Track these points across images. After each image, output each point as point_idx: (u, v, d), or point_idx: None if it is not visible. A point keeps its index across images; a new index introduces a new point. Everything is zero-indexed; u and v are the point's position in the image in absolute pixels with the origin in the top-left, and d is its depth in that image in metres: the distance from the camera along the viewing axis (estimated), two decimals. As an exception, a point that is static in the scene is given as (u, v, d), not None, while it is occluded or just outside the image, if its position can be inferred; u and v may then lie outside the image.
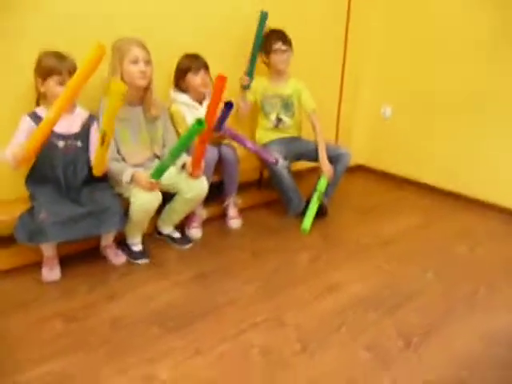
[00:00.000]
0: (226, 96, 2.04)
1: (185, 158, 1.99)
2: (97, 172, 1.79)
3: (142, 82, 1.91)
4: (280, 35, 2.44)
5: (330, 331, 1.55)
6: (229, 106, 1.94)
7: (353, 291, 1.80)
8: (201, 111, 2.21)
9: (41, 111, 1.78)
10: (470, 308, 1.72)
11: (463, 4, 2.67)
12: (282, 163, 2.37)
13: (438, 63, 2.87)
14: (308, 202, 2.50)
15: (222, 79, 1.77)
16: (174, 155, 1.75)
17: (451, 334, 1.57)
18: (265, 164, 2.43)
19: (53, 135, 1.76)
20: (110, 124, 1.61)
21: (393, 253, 2.14)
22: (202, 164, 1.98)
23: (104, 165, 1.78)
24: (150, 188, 1.83)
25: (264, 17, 2.27)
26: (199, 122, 1.61)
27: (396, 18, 3.08)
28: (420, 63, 2.98)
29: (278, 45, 2.42)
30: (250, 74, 2.38)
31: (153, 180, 1.81)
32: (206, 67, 2.20)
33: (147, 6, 2.13)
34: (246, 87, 2.41)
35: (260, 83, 2.50)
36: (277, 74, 2.51)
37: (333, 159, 2.51)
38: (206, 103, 2.24)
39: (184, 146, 1.77)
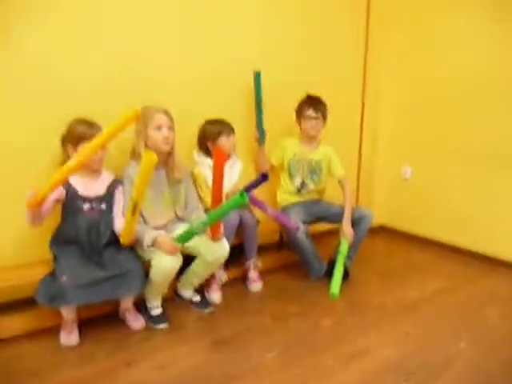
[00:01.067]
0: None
1: None
2: (125, 241, 1.82)
3: (166, 147, 1.98)
4: (313, 102, 2.53)
5: (357, 403, 1.46)
6: (264, 177, 1.99)
7: (381, 359, 1.71)
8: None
9: (72, 177, 1.82)
10: (508, 380, 1.61)
11: (480, 61, 2.74)
12: (301, 228, 2.36)
13: (456, 122, 2.92)
14: (329, 265, 2.47)
15: (220, 154, 1.78)
16: (207, 224, 1.77)
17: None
18: (285, 229, 2.43)
19: (78, 198, 1.82)
20: (140, 193, 1.65)
21: (420, 318, 2.05)
22: (221, 227, 1.99)
23: (132, 233, 1.81)
24: (173, 251, 1.83)
25: (258, 76, 2.39)
26: (242, 195, 1.62)
27: (411, 79, 3.18)
28: (438, 122, 3.03)
29: (309, 112, 2.51)
30: (258, 128, 2.47)
31: (177, 244, 1.82)
32: (233, 131, 2.31)
33: (167, 75, 2.26)
34: (258, 142, 2.50)
35: (291, 145, 2.57)
36: (307, 138, 2.58)
37: (355, 221, 2.50)
38: (228, 165, 2.29)
39: (220, 217, 1.80)
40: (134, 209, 1.67)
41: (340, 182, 2.61)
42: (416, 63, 3.13)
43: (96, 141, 1.66)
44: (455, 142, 2.93)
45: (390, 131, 3.36)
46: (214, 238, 1.97)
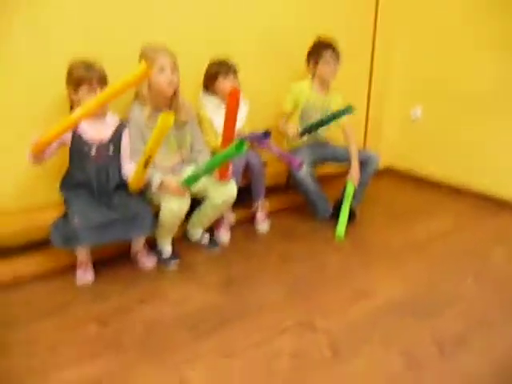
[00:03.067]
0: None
1: None
2: (133, 188, 1.83)
3: (170, 90, 1.93)
4: (331, 46, 2.42)
5: (361, 337, 1.52)
6: (266, 135, 1.94)
7: (386, 296, 1.77)
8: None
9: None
10: (509, 316, 1.66)
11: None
12: (306, 170, 2.35)
13: (468, 62, 2.81)
14: (336, 207, 2.49)
15: (235, 93, 1.74)
16: (209, 169, 1.78)
17: (487, 343, 1.51)
18: (290, 168, 2.41)
19: (85, 143, 1.81)
20: (154, 149, 1.65)
21: (427, 258, 2.09)
22: (230, 169, 1.98)
23: (142, 183, 1.82)
24: (180, 194, 1.84)
25: (347, 111, 2.20)
26: (238, 146, 1.60)
27: (423, 17, 3.03)
28: (449, 62, 2.92)
29: (328, 55, 2.40)
30: (302, 134, 2.37)
31: (183, 187, 1.83)
32: (235, 72, 2.22)
33: (176, 13, 2.17)
34: (292, 137, 2.40)
35: (304, 89, 2.47)
36: (321, 83, 2.49)
37: (361, 162, 2.48)
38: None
39: (220, 163, 1.80)
40: (147, 163, 1.68)
41: (345, 128, 2.55)
42: (428, 3, 2.97)
43: (103, 95, 1.63)
44: (466, 82, 2.84)
45: (400, 71, 3.24)
46: (222, 179, 1.98)
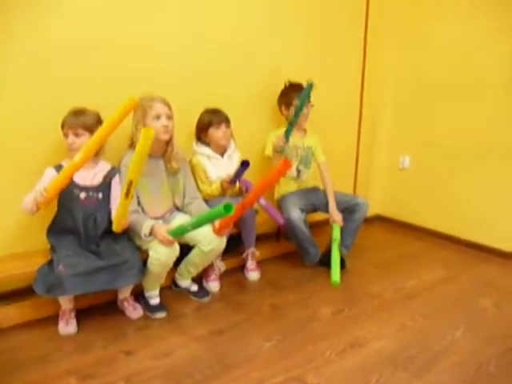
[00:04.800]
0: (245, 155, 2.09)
1: None
2: (117, 228, 1.79)
3: (165, 137, 1.96)
4: (301, 89, 2.47)
5: (354, 392, 1.48)
6: (244, 165, 1.97)
7: (378, 348, 1.73)
8: (222, 162, 2.27)
9: (65, 163, 1.82)
10: (503, 368, 1.62)
11: (479, 54, 2.72)
12: (298, 215, 2.35)
13: (456, 112, 2.90)
14: (325, 255, 2.49)
15: (286, 165, 1.78)
16: (195, 226, 1.76)
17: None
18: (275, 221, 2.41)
19: (75, 187, 1.81)
20: (136, 173, 1.62)
21: (417, 308, 2.06)
22: (229, 228, 1.98)
23: (125, 220, 1.79)
24: (167, 243, 1.82)
25: (310, 87, 2.24)
26: (227, 207, 1.60)
27: (411, 68, 3.14)
28: (437, 113, 3.01)
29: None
30: (287, 136, 2.38)
31: (170, 237, 1.81)
32: (227, 121, 2.26)
33: (168, 62, 2.24)
34: (280, 149, 2.42)
35: (280, 135, 2.53)
36: (297, 126, 2.54)
37: (350, 208, 2.51)
38: (226, 155, 2.30)
39: (207, 222, 1.80)
40: (128, 191, 1.63)
41: (321, 167, 2.61)
42: (415, 53, 3.09)
43: (97, 134, 1.66)
44: (454, 132, 2.92)
45: (389, 121, 3.34)
46: (219, 233, 1.97)
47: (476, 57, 2.74)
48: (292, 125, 2.36)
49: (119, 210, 1.74)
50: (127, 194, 1.65)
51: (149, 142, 1.55)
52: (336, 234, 2.42)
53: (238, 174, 2.09)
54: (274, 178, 1.91)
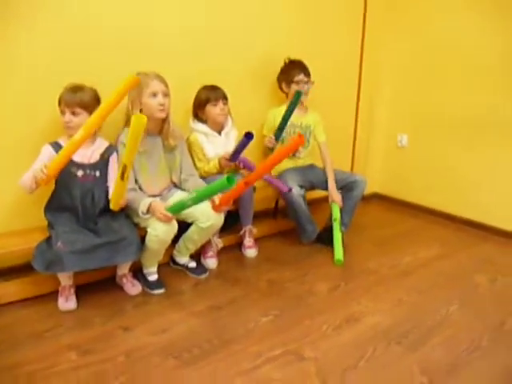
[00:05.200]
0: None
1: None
2: (114, 206, 1.79)
3: (161, 114, 1.94)
4: (302, 66, 2.47)
5: (349, 365, 1.50)
6: (249, 136, 1.94)
7: (373, 323, 1.75)
8: (219, 140, 2.25)
9: (63, 141, 1.82)
10: (495, 342, 1.65)
11: (478, 28, 2.69)
12: (297, 191, 2.35)
13: (454, 90, 2.88)
14: (322, 232, 2.51)
15: (301, 140, 1.77)
16: (196, 200, 1.76)
17: (476, 370, 1.50)
18: (279, 193, 2.43)
19: (72, 164, 1.80)
20: (130, 157, 1.61)
21: (413, 284, 2.09)
22: (229, 204, 1.99)
23: (122, 199, 1.79)
24: (166, 220, 1.83)
25: (298, 95, 2.26)
26: (230, 179, 1.60)
27: (409, 46, 3.11)
28: (436, 90, 2.99)
29: (301, 76, 2.45)
30: (277, 138, 2.37)
31: (169, 213, 1.82)
32: (224, 98, 2.24)
33: (165, 39, 2.21)
34: (270, 149, 2.40)
35: (281, 112, 2.50)
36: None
37: (348, 186, 2.51)
38: (224, 132, 2.28)
39: (208, 196, 1.80)
40: (123, 173, 1.63)
41: (321, 146, 2.61)
42: (414, 31, 3.06)
43: (98, 112, 1.64)
44: (451, 111, 2.90)
45: (387, 99, 3.32)
46: (218, 209, 1.97)
47: (473, 33, 2.71)
48: (281, 129, 2.34)
49: (115, 191, 1.74)
50: (122, 176, 1.65)
51: (141, 129, 1.53)
52: (336, 213, 2.43)
53: (240, 148, 2.06)
54: (284, 154, 1.90)
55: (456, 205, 2.97)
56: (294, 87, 2.46)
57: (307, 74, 2.48)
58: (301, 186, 2.41)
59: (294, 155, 2.56)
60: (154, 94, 1.90)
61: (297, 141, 1.79)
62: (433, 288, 2.06)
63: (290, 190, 2.26)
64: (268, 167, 1.95)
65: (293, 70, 2.47)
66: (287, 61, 2.53)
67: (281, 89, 2.56)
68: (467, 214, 2.91)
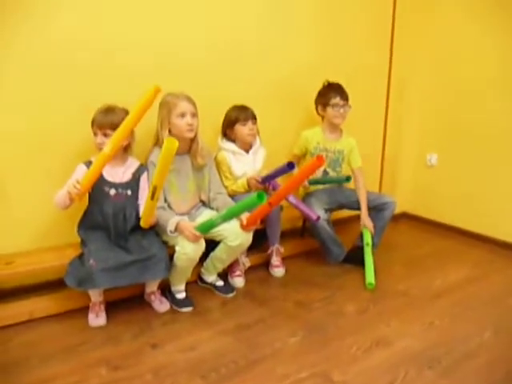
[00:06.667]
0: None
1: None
2: (144, 224, 1.84)
3: (190, 135, 1.98)
4: (339, 89, 2.47)
5: (380, 390, 1.47)
6: (290, 166, 1.96)
7: (404, 347, 1.71)
8: (247, 158, 2.28)
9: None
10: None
11: (508, 47, 2.66)
12: (322, 216, 2.33)
13: (484, 108, 2.84)
14: (351, 252, 2.50)
15: (321, 160, 1.78)
16: (225, 218, 1.77)
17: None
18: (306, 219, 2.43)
19: (105, 183, 1.85)
20: (161, 179, 1.65)
21: (445, 307, 2.03)
22: (257, 223, 2.00)
23: (152, 217, 1.83)
24: (194, 239, 1.84)
25: (346, 180, 2.50)
26: (259, 196, 1.61)
27: (439, 63, 3.10)
28: (465, 109, 2.95)
29: (337, 99, 2.45)
30: (311, 183, 2.45)
31: (197, 232, 1.84)
32: (253, 118, 2.27)
33: (193, 58, 2.26)
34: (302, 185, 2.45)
35: (314, 135, 2.52)
36: (331, 127, 2.53)
37: (378, 207, 2.48)
38: (252, 151, 2.31)
39: (238, 214, 1.82)
40: (153, 194, 1.67)
41: (355, 172, 2.58)
42: (442, 50, 3.05)
43: (124, 125, 1.68)
44: (482, 129, 2.86)
45: (416, 118, 3.29)
46: (246, 228, 1.98)
47: (506, 49, 2.67)
48: (317, 183, 2.51)
49: (145, 210, 1.78)
50: (152, 197, 1.69)
51: (172, 153, 1.57)
52: (367, 238, 2.41)
53: (277, 174, 2.09)
54: (304, 175, 1.91)
55: (487, 225, 2.89)
56: (330, 110, 2.46)
57: (344, 98, 2.46)
58: (325, 210, 2.40)
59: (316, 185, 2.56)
60: (183, 115, 1.95)
61: (315, 162, 1.78)
62: (465, 312, 2.00)
63: (318, 218, 2.21)
64: (290, 189, 1.95)
65: (330, 92, 2.47)
66: (326, 83, 2.54)
67: (317, 111, 2.56)
68: (499, 235, 2.83)
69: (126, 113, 1.89)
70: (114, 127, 1.81)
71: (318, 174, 2.54)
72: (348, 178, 2.44)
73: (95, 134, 1.86)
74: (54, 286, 1.95)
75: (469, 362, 1.62)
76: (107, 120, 1.83)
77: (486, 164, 2.86)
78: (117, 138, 1.69)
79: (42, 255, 1.91)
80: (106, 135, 1.83)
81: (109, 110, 1.85)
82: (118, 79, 2.05)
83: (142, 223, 1.84)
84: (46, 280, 1.99)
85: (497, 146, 2.79)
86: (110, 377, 1.51)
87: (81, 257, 1.82)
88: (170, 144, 1.55)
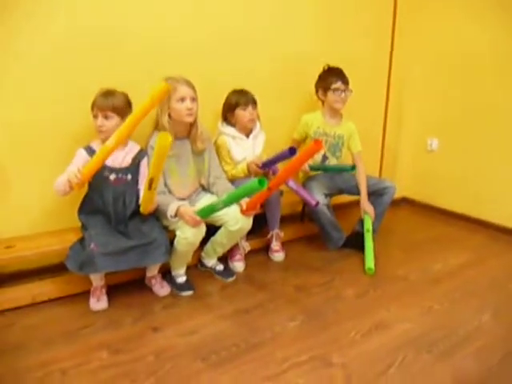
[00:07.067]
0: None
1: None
2: (144, 211, 1.85)
3: (190, 119, 1.97)
4: (340, 74, 2.45)
5: (378, 372, 1.48)
6: (292, 151, 1.95)
7: (403, 331, 1.73)
8: (247, 143, 2.27)
9: (95, 145, 1.86)
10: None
11: (509, 31, 2.63)
12: (322, 200, 2.33)
13: (485, 93, 2.82)
14: (350, 237, 2.51)
15: (319, 144, 1.76)
16: (226, 203, 1.77)
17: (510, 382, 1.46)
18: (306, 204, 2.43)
19: (105, 168, 1.84)
20: (157, 171, 1.65)
21: (444, 291, 2.05)
22: (257, 208, 2.00)
23: (152, 205, 1.84)
24: (194, 224, 1.85)
25: (351, 169, 2.44)
26: (261, 181, 1.60)
27: (439, 49, 3.07)
28: (466, 93, 2.93)
29: (338, 84, 2.43)
30: (313, 169, 2.47)
31: (197, 217, 1.84)
32: (254, 103, 2.25)
33: (193, 42, 2.24)
34: (303, 170, 2.48)
35: (315, 119, 2.50)
36: (332, 112, 2.51)
37: (378, 192, 2.48)
38: (252, 136, 2.29)
39: (239, 199, 1.81)
40: (150, 185, 1.68)
41: (355, 157, 2.58)
42: (443, 35, 3.02)
43: (129, 120, 1.68)
44: (482, 113, 2.84)
45: (417, 102, 3.27)
46: (246, 213, 1.98)
47: (505, 34, 2.64)
48: (318, 169, 2.52)
49: (144, 199, 1.78)
50: (150, 187, 1.69)
51: (166, 149, 1.56)
52: (368, 224, 2.41)
53: (278, 159, 2.08)
54: (302, 159, 1.90)
55: (487, 211, 2.90)
56: (331, 95, 2.44)
57: (345, 82, 2.44)
58: (325, 195, 2.39)
59: (322, 163, 2.55)
60: (182, 99, 1.93)
61: (313, 147, 1.77)
62: (464, 296, 2.01)
63: (317, 204, 2.21)
64: (288, 173, 1.94)
65: (330, 77, 2.44)
66: (326, 67, 2.51)
67: (317, 95, 2.54)
68: (499, 220, 2.84)
69: (126, 96, 1.89)
70: (115, 109, 1.82)
71: (318, 158, 2.54)
72: (353, 168, 2.42)
73: (95, 117, 1.84)
74: (55, 270, 1.96)
75: (467, 345, 1.64)
76: (108, 102, 1.82)
77: (487, 149, 2.85)
78: (121, 132, 1.68)
79: (42, 239, 1.92)
80: (106, 117, 1.82)
81: (109, 93, 1.84)
82: (116, 63, 2.03)
83: (142, 210, 1.85)
84: (48, 264, 2.00)
85: (497, 131, 2.77)
86: (111, 360, 1.52)
87: (82, 241, 1.83)
88: (163, 140, 1.54)
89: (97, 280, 1.87)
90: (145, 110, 1.65)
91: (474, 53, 2.83)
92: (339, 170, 2.56)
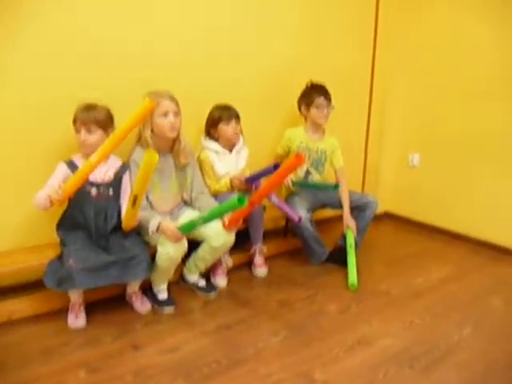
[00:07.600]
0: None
1: None
2: (126, 227, 1.83)
3: (172, 134, 1.96)
4: (322, 90, 2.48)
5: (361, 389, 1.48)
6: (276, 167, 1.96)
7: (385, 346, 1.72)
8: (230, 158, 2.28)
9: (77, 159, 1.84)
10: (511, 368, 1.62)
11: (491, 44, 2.69)
12: (305, 216, 2.34)
13: (466, 110, 2.88)
14: (333, 252, 2.52)
15: (300, 159, 1.76)
16: (206, 220, 1.76)
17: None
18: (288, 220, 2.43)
19: (86, 183, 1.82)
20: (142, 188, 1.65)
21: (425, 306, 2.06)
22: (239, 223, 1.99)
23: (133, 222, 1.82)
24: (176, 239, 1.83)
25: (334, 188, 2.42)
26: (240, 199, 1.60)
27: (421, 64, 3.13)
28: (447, 109, 2.99)
29: (321, 100, 2.46)
30: (296, 185, 2.46)
31: (179, 232, 1.82)
32: (237, 117, 2.26)
33: (176, 58, 2.25)
34: (285, 186, 2.47)
35: (297, 134, 2.52)
36: (314, 127, 2.54)
37: (360, 207, 2.51)
38: (235, 150, 2.30)
39: (219, 216, 1.81)
40: (134, 202, 1.67)
41: (337, 173, 2.61)
42: (425, 51, 3.08)
43: (114, 136, 1.67)
44: (464, 130, 2.90)
45: (398, 118, 3.32)
46: (228, 228, 1.97)
47: (487, 49, 2.72)
48: (301, 186, 2.51)
49: (126, 217, 1.77)
50: (133, 204, 1.68)
51: (152, 167, 1.57)
52: (350, 239, 2.42)
53: (262, 174, 2.10)
54: (284, 173, 1.90)
55: (469, 225, 2.94)
56: (314, 111, 2.47)
57: (328, 98, 2.48)
58: (308, 210, 2.41)
59: (305, 178, 2.56)
60: (165, 114, 1.93)
61: (295, 161, 1.77)
62: (446, 310, 2.02)
63: (300, 219, 2.22)
64: (270, 187, 1.94)
65: (313, 93, 2.48)
66: (309, 84, 2.54)
67: (300, 111, 2.57)
68: (480, 235, 2.88)
69: (107, 110, 1.88)
70: (98, 123, 1.81)
71: (301, 173, 2.55)
72: (336, 186, 2.42)
73: (78, 131, 1.82)
74: (32, 286, 1.91)
75: (448, 360, 1.64)
76: (90, 116, 1.81)
77: (468, 165, 2.91)
78: (105, 148, 1.67)
79: (19, 255, 1.87)
80: (89, 131, 1.81)
81: (90, 107, 1.83)
82: (97, 74, 2.01)
83: (124, 227, 1.83)
84: (25, 281, 1.95)
85: (478, 147, 2.83)
86: (89, 379, 1.49)
87: (60, 257, 1.79)
88: (150, 158, 1.54)
89: (75, 297, 1.82)
90: (129, 127, 1.65)
91: (455, 70, 2.90)
92: (323, 188, 2.56)
